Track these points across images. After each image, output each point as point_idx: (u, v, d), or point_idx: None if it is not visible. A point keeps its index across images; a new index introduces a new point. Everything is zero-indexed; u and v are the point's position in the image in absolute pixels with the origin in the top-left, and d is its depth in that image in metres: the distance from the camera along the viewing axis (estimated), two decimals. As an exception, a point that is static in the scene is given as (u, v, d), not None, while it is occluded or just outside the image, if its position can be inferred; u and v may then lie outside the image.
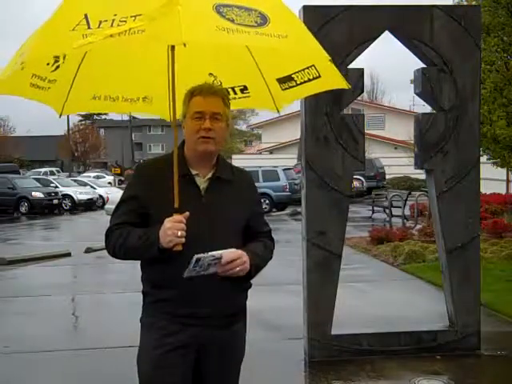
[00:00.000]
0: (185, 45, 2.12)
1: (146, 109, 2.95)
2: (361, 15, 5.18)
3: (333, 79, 2.60)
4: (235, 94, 2.82)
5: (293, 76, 2.59)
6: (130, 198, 2.54)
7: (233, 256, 2.36)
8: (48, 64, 2.50)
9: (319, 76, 2.52)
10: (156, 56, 2.63)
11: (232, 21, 2.13)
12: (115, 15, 2.10)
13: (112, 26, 2.08)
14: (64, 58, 2.49)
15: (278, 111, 2.80)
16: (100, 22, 2.11)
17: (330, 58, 2.50)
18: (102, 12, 2.15)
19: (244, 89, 2.80)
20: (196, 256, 2.26)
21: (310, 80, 2.55)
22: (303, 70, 2.54)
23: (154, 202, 2.46)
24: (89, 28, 2.13)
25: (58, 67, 2.52)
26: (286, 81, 2.63)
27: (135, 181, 2.59)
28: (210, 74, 2.78)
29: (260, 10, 2.26)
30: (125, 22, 2.06)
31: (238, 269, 2.37)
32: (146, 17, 2.04)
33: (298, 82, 2.59)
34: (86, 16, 2.15)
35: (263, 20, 2.22)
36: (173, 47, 2.46)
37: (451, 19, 5.20)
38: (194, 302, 2.44)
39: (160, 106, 2.82)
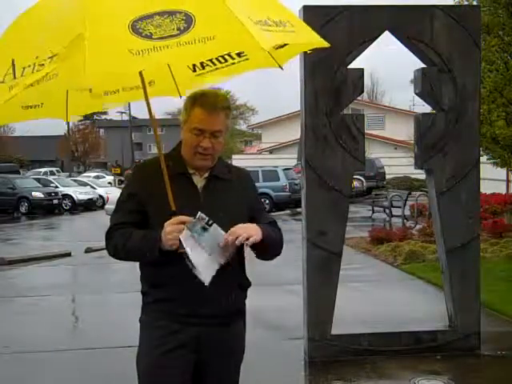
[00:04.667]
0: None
1: (150, 92, 2.80)
2: (361, 15, 5.19)
3: (308, 34, 2.40)
4: (233, 58, 2.53)
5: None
6: (128, 196, 2.54)
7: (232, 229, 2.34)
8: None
9: (294, 31, 2.29)
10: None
11: (149, 37, 1.96)
12: (36, 58, 2.03)
13: (33, 71, 2.02)
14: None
15: (281, 67, 2.48)
16: (23, 69, 2.06)
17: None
18: (26, 55, 2.08)
19: (241, 52, 2.68)
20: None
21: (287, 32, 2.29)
22: (279, 25, 2.26)
23: (151, 201, 2.46)
24: (14, 78, 2.09)
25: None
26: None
27: (133, 180, 2.60)
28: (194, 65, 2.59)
29: (185, 10, 2.06)
30: (43, 65, 1.99)
31: (243, 234, 2.32)
32: (58, 57, 1.95)
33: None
34: (13, 62, 2.11)
35: (188, 23, 2.02)
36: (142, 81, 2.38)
37: (451, 19, 5.20)
38: (193, 302, 2.43)
39: (164, 87, 2.66)
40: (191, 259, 2.31)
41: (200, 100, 2.44)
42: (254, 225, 2.41)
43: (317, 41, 2.36)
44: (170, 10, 2.05)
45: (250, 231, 2.35)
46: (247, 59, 2.34)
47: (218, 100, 2.46)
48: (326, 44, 2.37)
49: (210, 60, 2.36)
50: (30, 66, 2.04)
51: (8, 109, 2.30)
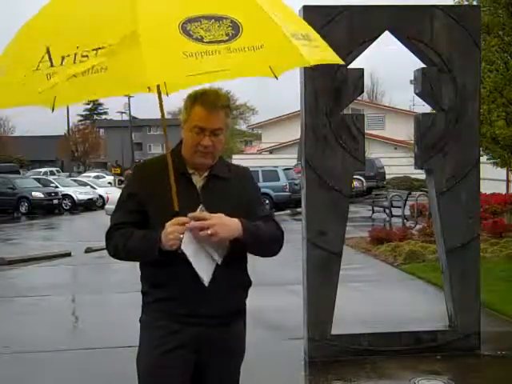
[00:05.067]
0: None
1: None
2: (361, 15, 5.19)
3: (329, 50, 2.41)
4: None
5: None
6: (128, 196, 2.54)
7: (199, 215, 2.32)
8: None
9: (318, 46, 2.33)
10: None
11: (201, 40, 1.96)
12: (77, 48, 1.99)
13: (75, 62, 1.98)
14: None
15: (277, 77, 2.45)
16: (63, 58, 2.01)
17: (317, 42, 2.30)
18: (63, 44, 2.04)
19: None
20: None
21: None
22: (306, 39, 2.28)
23: (151, 201, 2.46)
24: (52, 66, 2.03)
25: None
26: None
27: (133, 179, 2.60)
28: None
29: (231, 16, 2.06)
30: (87, 56, 1.95)
31: (210, 229, 2.28)
32: (107, 51, 1.93)
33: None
34: (48, 50, 2.06)
35: (235, 30, 2.03)
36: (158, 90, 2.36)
37: (451, 19, 5.20)
38: (193, 302, 2.43)
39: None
40: (191, 260, 2.31)
41: (200, 98, 2.43)
42: (236, 221, 2.37)
43: (334, 58, 2.40)
44: (217, 15, 2.05)
45: (221, 229, 2.30)
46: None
47: (219, 98, 2.46)
48: (340, 61, 2.42)
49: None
50: (69, 55, 1.99)
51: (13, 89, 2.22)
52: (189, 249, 2.31)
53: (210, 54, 1.94)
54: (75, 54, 1.98)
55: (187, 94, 2.54)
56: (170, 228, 2.30)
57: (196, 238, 2.32)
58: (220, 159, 2.58)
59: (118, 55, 1.92)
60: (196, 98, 2.45)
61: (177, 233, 2.29)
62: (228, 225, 2.34)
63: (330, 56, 2.40)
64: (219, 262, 2.36)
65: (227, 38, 1.99)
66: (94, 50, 1.95)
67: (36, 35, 2.20)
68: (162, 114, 2.49)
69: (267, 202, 21.99)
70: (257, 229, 2.44)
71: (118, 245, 2.47)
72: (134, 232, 2.44)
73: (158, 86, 2.36)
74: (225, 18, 2.05)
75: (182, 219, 2.31)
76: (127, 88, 2.47)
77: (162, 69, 1.92)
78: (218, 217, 2.33)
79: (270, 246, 2.55)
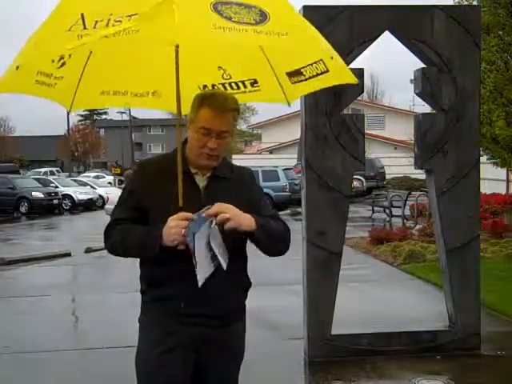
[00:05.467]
0: (177, 47, 2.09)
1: (155, 103, 2.90)
2: (361, 15, 5.19)
3: (341, 74, 2.57)
4: (245, 87, 2.75)
5: (301, 70, 2.55)
6: (128, 193, 2.54)
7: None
8: (53, 61, 2.49)
9: (327, 71, 2.49)
10: (164, 50, 2.58)
11: (229, 19, 2.09)
12: (111, 15, 2.08)
13: (107, 25, 2.06)
14: (69, 54, 2.48)
15: (289, 104, 2.72)
16: (96, 22, 2.09)
17: (334, 54, 2.47)
18: (98, 11, 2.13)
19: (254, 82, 2.74)
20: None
21: (318, 74, 2.51)
22: (311, 64, 2.51)
23: (152, 199, 2.45)
24: (84, 28, 2.11)
25: (63, 64, 2.51)
26: (295, 75, 2.58)
27: (135, 176, 2.59)
28: (219, 67, 2.73)
29: (260, 7, 2.21)
30: (120, 21, 2.04)
31: (227, 216, 2.29)
32: (141, 16, 2.01)
33: (307, 77, 2.55)
34: (82, 16, 2.13)
35: (263, 17, 2.17)
36: (177, 45, 2.46)
37: (451, 19, 5.20)
38: (192, 302, 2.42)
39: (169, 100, 2.72)
40: (195, 256, 2.28)
41: (209, 100, 2.42)
42: (248, 215, 2.37)
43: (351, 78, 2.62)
44: (247, 4, 2.20)
45: (237, 217, 2.31)
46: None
47: (227, 101, 2.45)
48: (355, 80, 2.61)
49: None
50: (103, 20, 2.08)
51: (23, 77, 2.38)
52: (198, 245, 2.28)
53: (238, 30, 2.08)
54: (108, 20, 2.08)
55: (195, 94, 2.54)
56: (172, 222, 2.30)
57: (206, 237, 2.29)
58: (223, 160, 2.58)
59: (151, 20, 2.02)
60: (204, 99, 2.43)
61: (179, 228, 2.28)
62: (243, 215, 2.35)
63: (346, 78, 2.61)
64: (224, 267, 2.33)
65: (255, 22, 2.14)
66: (127, 16, 2.04)
67: (71, 6, 2.27)
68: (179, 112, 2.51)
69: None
70: (269, 225, 2.44)
71: (116, 240, 2.46)
72: (133, 228, 2.43)
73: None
74: (254, 7, 2.20)
75: (185, 214, 2.30)
76: (154, 45, 2.54)
77: (191, 29, 2.06)
78: (233, 207, 2.34)
79: (280, 243, 2.55)
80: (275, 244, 2.52)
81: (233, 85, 2.73)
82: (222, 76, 2.72)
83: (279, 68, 2.62)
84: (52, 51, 2.34)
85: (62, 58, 2.47)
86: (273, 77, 2.64)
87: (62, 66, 2.51)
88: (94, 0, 2.25)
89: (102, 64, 2.66)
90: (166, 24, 1.98)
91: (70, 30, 2.13)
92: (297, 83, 2.60)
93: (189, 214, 2.30)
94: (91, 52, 2.59)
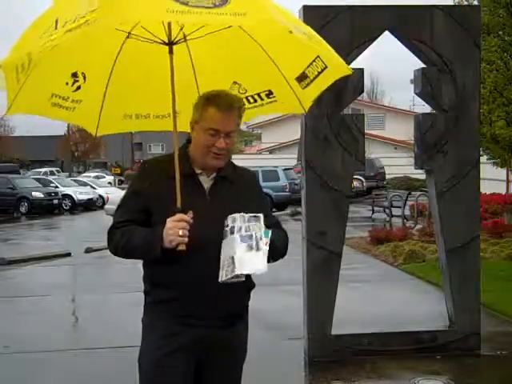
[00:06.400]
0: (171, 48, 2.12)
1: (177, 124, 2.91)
2: (361, 15, 5.18)
3: (338, 67, 2.56)
4: (262, 99, 2.74)
5: (306, 72, 2.55)
6: (132, 193, 2.54)
7: None
8: (67, 83, 2.55)
9: (326, 67, 2.50)
10: (181, 70, 2.58)
11: (186, 4, 2.06)
12: (78, 14, 2.13)
13: (74, 22, 2.12)
14: (84, 77, 2.55)
15: (306, 111, 2.73)
16: (66, 23, 2.16)
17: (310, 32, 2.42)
18: (69, 14, 2.18)
19: (269, 93, 2.74)
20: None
21: (319, 73, 2.52)
22: (311, 63, 2.51)
23: (155, 200, 2.45)
24: (55, 29, 2.18)
25: (78, 87, 2.58)
26: (302, 79, 2.58)
27: (139, 177, 2.59)
28: (235, 82, 2.73)
29: None
30: (84, 16, 2.09)
31: None
32: (99, 7, 2.06)
33: (312, 78, 2.56)
34: (56, 21, 2.21)
35: (223, 2, 2.11)
36: (170, 50, 2.47)
37: (451, 19, 5.20)
38: (196, 303, 2.42)
39: (188, 119, 2.70)
40: (223, 253, 2.31)
41: (215, 100, 2.42)
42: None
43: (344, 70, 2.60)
44: None
45: None
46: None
47: (233, 100, 2.45)
48: (350, 71, 2.61)
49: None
50: (71, 19, 2.14)
51: (37, 98, 2.47)
52: (229, 245, 2.32)
53: (192, 13, 2.05)
54: (75, 18, 2.13)
55: (200, 95, 2.55)
56: (170, 224, 2.30)
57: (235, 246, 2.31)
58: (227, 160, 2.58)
59: (107, 6, 2.06)
60: (209, 99, 2.43)
61: (176, 229, 2.28)
62: None
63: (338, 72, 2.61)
64: (219, 280, 2.32)
65: (212, 5, 2.09)
66: (90, 11, 2.08)
67: (49, 15, 2.34)
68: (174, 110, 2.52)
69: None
70: (275, 239, 2.42)
71: (119, 243, 2.45)
72: (135, 230, 2.43)
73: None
74: None
75: (183, 216, 2.31)
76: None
77: (144, 11, 2.07)
78: None
79: (282, 253, 2.57)
80: (279, 254, 2.54)
81: (249, 99, 2.72)
82: (238, 91, 2.71)
83: (289, 74, 2.61)
84: (20, 55, 2.36)
85: (76, 80, 2.54)
86: (286, 85, 2.63)
87: (77, 89, 2.58)
88: (68, 5, 2.30)
89: (121, 87, 2.68)
90: (121, 6, 2.04)
91: (44, 33, 2.20)
92: (306, 87, 2.60)
93: (186, 216, 2.31)
94: (111, 74, 2.63)
